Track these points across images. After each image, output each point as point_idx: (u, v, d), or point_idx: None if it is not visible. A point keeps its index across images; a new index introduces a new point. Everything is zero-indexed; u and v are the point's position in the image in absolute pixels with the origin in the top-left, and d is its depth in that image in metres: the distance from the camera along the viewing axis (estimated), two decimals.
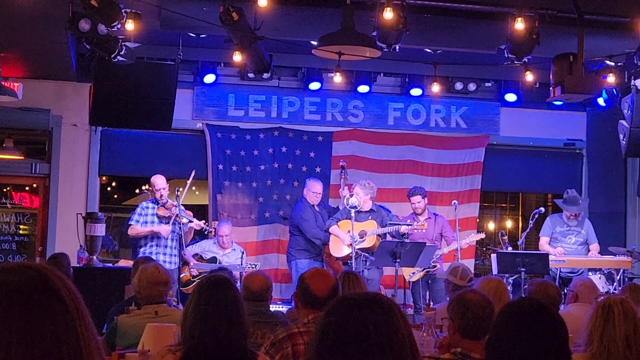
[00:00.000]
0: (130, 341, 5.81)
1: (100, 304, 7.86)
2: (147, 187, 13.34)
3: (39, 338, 1.64)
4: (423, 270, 11.54)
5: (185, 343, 4.20)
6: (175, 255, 11.49)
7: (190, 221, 11.50)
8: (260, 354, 4.40)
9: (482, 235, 12.20)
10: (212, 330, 4.12)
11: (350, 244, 11.21)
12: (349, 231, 11.34)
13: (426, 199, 12.08)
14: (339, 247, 11.64)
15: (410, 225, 11.48)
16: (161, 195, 11.55)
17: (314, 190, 12.12)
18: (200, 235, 12.67)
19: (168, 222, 11.39)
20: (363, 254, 11.15)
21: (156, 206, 11.56)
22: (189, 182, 11.63)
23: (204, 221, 11.94)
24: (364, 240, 11.33)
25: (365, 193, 11.55)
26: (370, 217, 11.55)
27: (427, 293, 11.82)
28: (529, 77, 11.09)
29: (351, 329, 2.14)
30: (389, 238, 11.44)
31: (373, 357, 2.11)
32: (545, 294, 6.69)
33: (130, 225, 11.60)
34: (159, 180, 11.67)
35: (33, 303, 1.67)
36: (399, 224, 11.56)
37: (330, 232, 11.73)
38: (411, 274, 11.65)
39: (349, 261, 11.13)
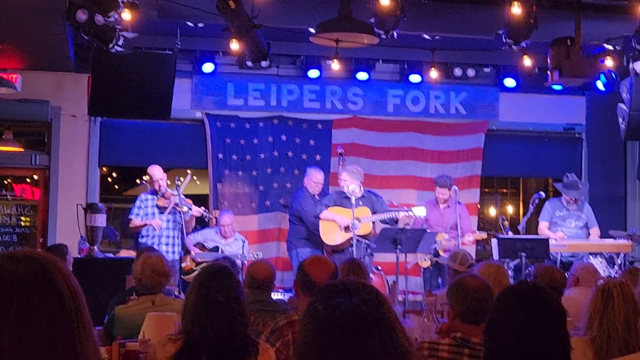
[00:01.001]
0: (129, 331, 5.82)
1: (102, 294, 7.89)
2: (146, 179, 13.33)
3: (33, 330, 1.65)
4: (430, 256, 11.55)
5: (186, 332, 4.20)
6: (177, 245, 11.49)
7: (190, 209, 11.49)
8: (261, 342, 4.40)
9: (484, 235, 12.17)
10: (214, 318, 4.13)
11: (347, 227, 11.20)
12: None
13: (452, 190, 11.96)
14: (333, 234, 11.52)
15: (406, 211, 11.44)
16: (160, 186, 11.54)
17: (315, 180, 12.08)
18: (201, 224, 12.67)
19: (167, 212, 11.38)
20: (364, 241, 11.13)
21: (155, 197, 11.55)
22: (185, 182, 11.52)
23: (203, 208, 11.93)
24: (358, 227, 11.28)
25: (354, 179, 11.49)
26: (361, 203, 11.51)
27: (435, 281, 11.79)
28: (527, 61, 11.08)
29: (340, 316, 2.13)
30: (380, 225, 11.45)
31: (367, 344, 2.10)
32: (551, 278, 6.71)
33: (130, 219, 11.61)
34: (156, 171, 11.66)
35: (32, 295, 1.67)
36: (395, 211, 11.51)
37: (322, 219, 11.62)
38: (423, 260, 11.65)
39: (350, 248, 11.10)
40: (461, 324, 4.57)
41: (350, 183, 11.29)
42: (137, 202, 11.66)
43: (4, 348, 1.61)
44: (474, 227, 13.10)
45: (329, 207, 11.55)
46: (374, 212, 11.45)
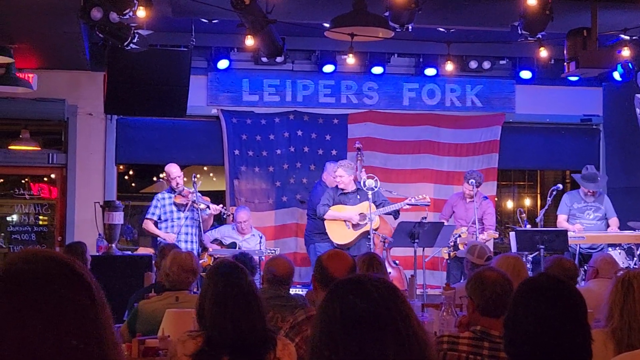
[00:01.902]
0: (151, 327, 5.84)
1: (120, 292, 7.91)
2: (162, 176, 13.36)
3: (57, 331, 1.62)
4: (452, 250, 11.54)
5: (205, 330, 4.20)
6: (195, 242, 11.50)
7: (208, 207, 11.51)
8: (280, 337, 4.41)
9: (496, 235, 12.13)
10: (232, 315, 4.13)
11: (357, 224, 11.20)
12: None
13: (479, 186, 11.93)
14: (341, 234, 11.48)
15: (414, 204, 11.41)
16: (177, 184, 11.56)
17: (334, 175, 12.08)
18: (218, 220, 12.69)
19: (185, 210, 11.40)
20: (382, 235, 11.12)
21: (172, 195, 11.57)
22: (196, 186, 11.49)
23: (221, 205, 11.95)
24: (366, 223, 11.25)
25: (349, 173, 11.48)
26: (358, 197, 11.45)
27: (457, 274, 11.77)
28: (544, 53, 11.02)
29: (359, 311, 2.12)
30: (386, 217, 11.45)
31: (385, 340, 2.09)
32: (561, 267, 6.69)
33: (146, 219, 11.62)
34: (173, 169, 11.68)
35: (51, 295, 1.63)
36: (406, 204, 11.49)
37: (326, 219, 11.51)
38: (446, 252, 11.64)
39: (367, 243, 11.09)
40: (480, 317, 4.56)
41: (347, 177, 11.30)
42: (154, 202, 11.67)
43: (32, 351, 1.59)
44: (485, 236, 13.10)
45: (329, 206, 11.51)
46: (376, 206, 11.39)
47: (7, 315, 1.59)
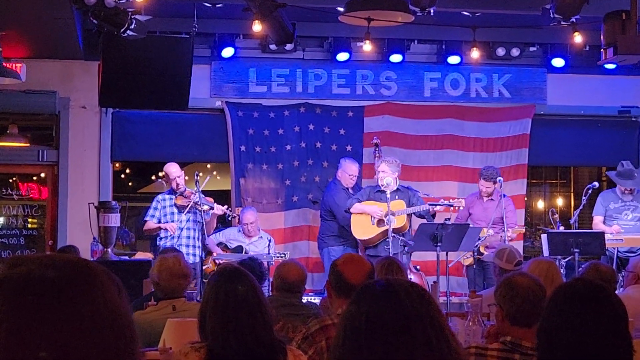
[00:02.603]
0: (149, 338, 5.83)
1: None
2: (161, 176, 13.37)
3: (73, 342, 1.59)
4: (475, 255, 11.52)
5: (207, 340, 4.20)
6: (198, 247, 11.51)
7: (211, 208, 11.51)
8: (291, 348, 4.40)
9: (522, 230, 12.10)
10: (234, 326, 4.12)
11: (380, 220, 11.20)
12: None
13: (498, 182, 11.93)
14: (364, 228, 11.55)
15: (448, 204, 11.41)
16: (177, 185, 11.57)
17: (350, 172, 12.08)
18: (223, 222, 12.69)
19: (185, 211, 11.40)
20: (401, 237, 11.12)
21: (173, 196, 11.59)
22: (204, 181, 11.51)
23: (226, 206, 11.96)
24: (394, 222, 11.26)
25: (393, 171, 11.49)
26: (397, 197, 11.50)
27: (479, 280, 11.75)
28: (578, 38, 10.99)
29: (387, 318, 2.11)
30: (416, 219, 11.45)
31: (414, 348, 2.09)
32: (597, 272, 6.67)
33: (146, 221, 11.65)
34: (173, 169, 11.69)
35: (65, 303, 1.59)
36: (436, 205, 11.50)
37: (352, 212, 11.63)
38: (466, 257, 11.62)
39: (385, 246, 11.10)
40: (511, 326, 4.55)
41: (389, 175, 11.30)
42: (153, 204, 11.71)
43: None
44: (520, 221, 13.05)
45: (361, 201, 11.55)
46: (409, 207, 11.46)
47: (27, 327, 1.56)
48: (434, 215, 11.52)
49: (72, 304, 1.57)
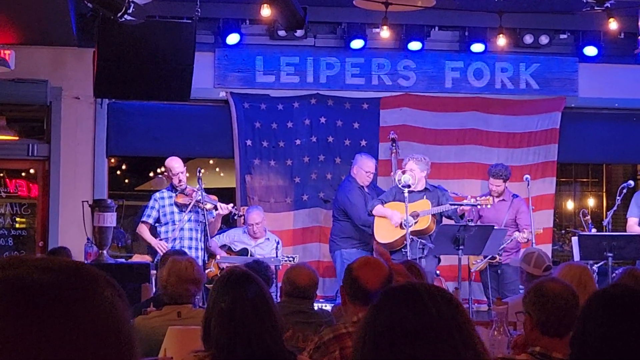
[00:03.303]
0: (150, 347, 5.84)
1: None
2: (162, 171, 13.38)
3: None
4: (487, 259, 11.50)
5: (212, 349, 4.20)
6: (200, 249, 11.49)
7: (215, 207, 11.52)
8: (300, 357, 4.40)
9: (540, 231, 12.10)
10: (241, 334, 4.13)
11: (401, 225, 11.19)
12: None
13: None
14: (386, 231, 11.57)
15: (473, 204, 11.41)
16: (180, 180, 11.58)
17: (366, 169, 12.07)
18: (227, 223, 12.69)
19: (187, 210, 11.41)
20: (420, 240, 11.11)
21: (174, 194, 11.59)
22: (201, 182, 11.50)
23: (232, 204, 11.95)
24: (416, 222, 11.27)
25: (421, 169, 11.51)
26: (425, 197, 11.51)
27: (493, 285, 11.75)
28: (613, 25, 10.98)
29: (412, 324, 2.11)
30: (445, 220, 11.45)
31: (440, 357, 2.09)
32: (633, 278, 6.66)
33: (142, 222, 11.65)
34: (176, 164, 11.70)
35: (63, 309, 1.60)
36: (459, 204, 11.50)
37: (374, 215, 11.66)
38: (475, 262, 11.60)
39: (402, 249, 11.10)
40: (541, 336, 4.55)
41: (418, 173, 11.31)
42: (151, 203, 11.71)
43: None
44: (548, 223, 13.04)
45: (385, 202, 11.55)
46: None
47: (27, 336, 1.56)
48: (462, 216, 11.51)
49: (69, 311, 1.57)
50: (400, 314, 2.13)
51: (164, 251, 10.97)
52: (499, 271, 11.80)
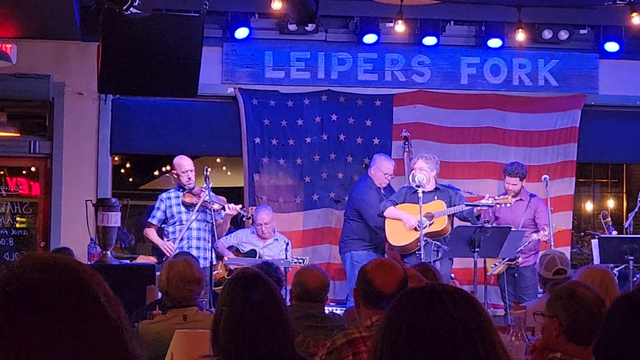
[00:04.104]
0: (156, 351, 5.84)
1: None
2: (170, 170, 13.36)
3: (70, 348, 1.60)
4: (505, 261, 11.47)
5: (220, 354, 4.19)
6: (208, 250, 11.47)
7: (223, 207, 11.51)
8: None
9: (561, 227, 12.08)
10: (249, 339, 4.11)
11: (416, 228, 11.17)
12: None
13: (524, 180, 11.97)
14: (399, 233, 11.54)
15: (491, 204, 11.38)
16: (189, 179, 11.57)
17: (385, 171, 12.03)
18: (234, 223, 12.69)
19: (195, 210, 11.41)
20: (434, 242, 11.09)
21: (181, 193, 11.58)
22: (209, 181, 11.51)
23: (240, 205, 11.95)
24: (432, 223, 11.25)
25: (431, 168, 11.49)
26: (436, 197, 11.49)
27: (510, 289, 11.73)
28: (636, 20, 10.96)
29: (432, 328, 2.10)
30: (456, 221, 11.43)
31: None
32: None
33: (149, 224, 11.65)
34: (184, 162, 11.69)
35: (61, 307, 1.60)
36: (476, 205, 11.48)
37: (385, 216, 11.63)
38: (493, 265, 11.57)
39: (417, 252, 11.08)
40: (567, 342, 4.52)
41: (428, 172, 11.29)
42: (157, 203, 11.71)
43: None
44: (567, 225, 13.03)
45: (396, 204, 11.53)
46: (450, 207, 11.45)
47: (24, 334, 1.57)
48: (478, 217, 11.49)
49: (64, 313, 1.58)
50: (420, 317, 2.12)
51: (171, 253, 10.99)
52: (515, 274, 11.77)
